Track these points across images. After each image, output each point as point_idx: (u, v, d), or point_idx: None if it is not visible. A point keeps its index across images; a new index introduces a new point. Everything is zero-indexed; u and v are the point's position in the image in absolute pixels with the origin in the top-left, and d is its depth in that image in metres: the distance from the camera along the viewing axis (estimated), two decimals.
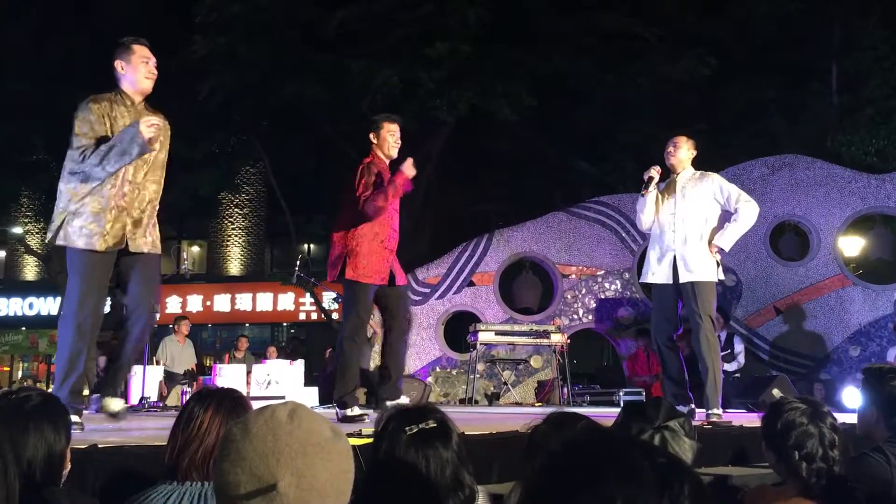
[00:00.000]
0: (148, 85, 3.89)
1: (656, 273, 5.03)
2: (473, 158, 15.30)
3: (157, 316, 4.56)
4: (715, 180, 5.10)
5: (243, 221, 22.33)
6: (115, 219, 3.72)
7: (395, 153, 4.68)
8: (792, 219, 9.28)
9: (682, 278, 4.92)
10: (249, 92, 12.69)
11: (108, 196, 3.71)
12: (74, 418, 3.52)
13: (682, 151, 5.11)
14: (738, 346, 8.27)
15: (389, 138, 4.63)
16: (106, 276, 3.79)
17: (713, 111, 13.36)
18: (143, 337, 3.90)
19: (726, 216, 5.10)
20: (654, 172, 5.03)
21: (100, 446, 2.54)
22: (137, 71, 3.85)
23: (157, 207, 3.96)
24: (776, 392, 5.66)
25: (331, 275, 4.59)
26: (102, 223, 3.68)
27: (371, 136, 4.68)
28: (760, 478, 3.07)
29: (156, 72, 3.92)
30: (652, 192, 5.03)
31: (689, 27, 12.66)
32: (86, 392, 4.42)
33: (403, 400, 4.56)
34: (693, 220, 4.97)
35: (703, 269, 4.93)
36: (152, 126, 3.57)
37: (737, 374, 8.07)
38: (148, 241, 3.86)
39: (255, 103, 13.23)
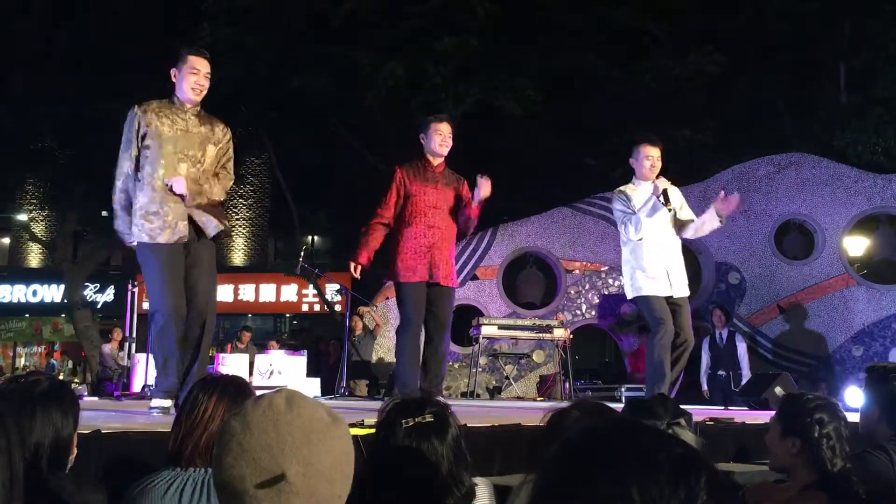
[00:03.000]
0: (193, 97, 4.02)
1: (658, 285, 4.92)
2: (479, 153, 15.29)
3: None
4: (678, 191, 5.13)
5: (248, 212, 22.36)
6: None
7: (444, 151, 4.82)
8: (797, 217, 9.26)
9: (677, 293, 4.93)
10: (256, 83, 12.69)
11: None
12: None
13: (659, 163, 5.04)
14: (741, 346, 8.26)
15: (437, 138, 4.78)
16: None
17: (720, 109, 13.32)
18: None
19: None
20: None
21: (103, 431, 2.55)
22: (185, 80, 4.00)
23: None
24: (779, 390, 5.65)
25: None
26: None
27: (420, 135, 4.86)
28: (762, 474, 3.07)
29: (205, 83, 4.04)
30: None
31: (697, 24, 12.62)
32: None
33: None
34: (674, 233, 5.00)
35: (686, 283, 5.03)
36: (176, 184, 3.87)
37: (739, 372, 8.07)
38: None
39: (261, 94, 13.23)
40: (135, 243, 3.95)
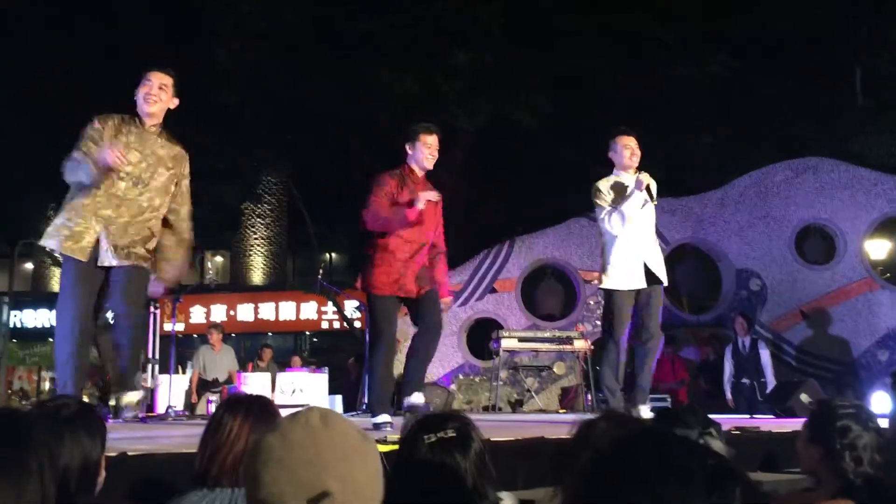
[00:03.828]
0: (147, 108, 4.06)
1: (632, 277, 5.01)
2: (495, 165, 15.30)
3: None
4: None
5: (265, 231, 22.47)
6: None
7: (429, 165, 4.59)
8: (817, 222, 9.19)
9: (651, 283, 5.02)
10: (272, 103, 12.79)
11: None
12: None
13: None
14: (764, 353, 8.18)
15: (425, 150, 4.54)
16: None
17: (735, 114, 13.26)
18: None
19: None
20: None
21: (129, 454, 2.56)
22: (138, 95, 4.07)
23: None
24: (804, 397, 5.60)
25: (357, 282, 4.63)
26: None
27: (407, 146, 4.62)
28: (791, 483, 3.04)
29: (158, 93, 4.06)
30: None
31: (710, 28, 12.58)
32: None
33: (416, 398, 4.53)
34: (650, 227, 5.10)
35: (661, 269, 5.08)
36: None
37: (763, 380, 7.99)
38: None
39: (277, 114, 13.33)
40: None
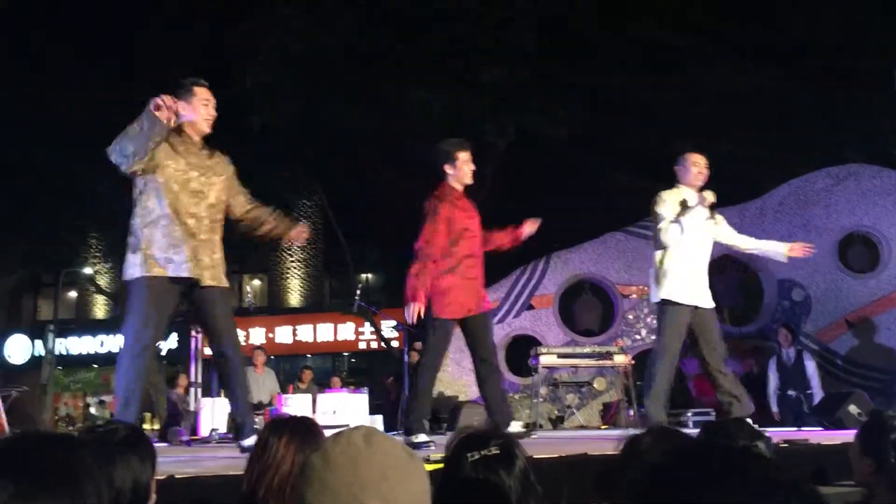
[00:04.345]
0: (206, 128, 4.01)
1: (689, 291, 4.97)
2: (528, 180, 15.29)
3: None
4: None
5: (302, 254, 22.69)
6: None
7: (470, 180, 4.72)
8: (860, 230, 9.01)
9: (705, 304, 4.98)
10: (304, 125, 12.94)
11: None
12: None
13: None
14: (809, 364, 8.02)
15: (465, 167, 4.66)
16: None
17: (772, 122, 13.11)
18: None
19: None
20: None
21: (176, 477, 2.60)
22: (197, 113, 3.96)
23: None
24: (853, 408, 5.47)
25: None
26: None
27: (446, 167, 4.67)
28: (842, 496, 2.97)
29: (214, 113, 4.03)
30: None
31: (745, 36, 12.48)
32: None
33: (514, 426, 4.55)
34: (709, 246, 5.08)
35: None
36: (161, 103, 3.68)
37: (809, 392, 7.84)
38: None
39: (309, 136, 13.49)
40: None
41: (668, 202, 4.98)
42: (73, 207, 15.86)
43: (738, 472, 0.78)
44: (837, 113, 12.93)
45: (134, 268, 3.87)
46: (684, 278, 4.91)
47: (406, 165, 14.41)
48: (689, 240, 4.91)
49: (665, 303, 4.92)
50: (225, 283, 4.11)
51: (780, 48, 12.49)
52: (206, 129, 4.03)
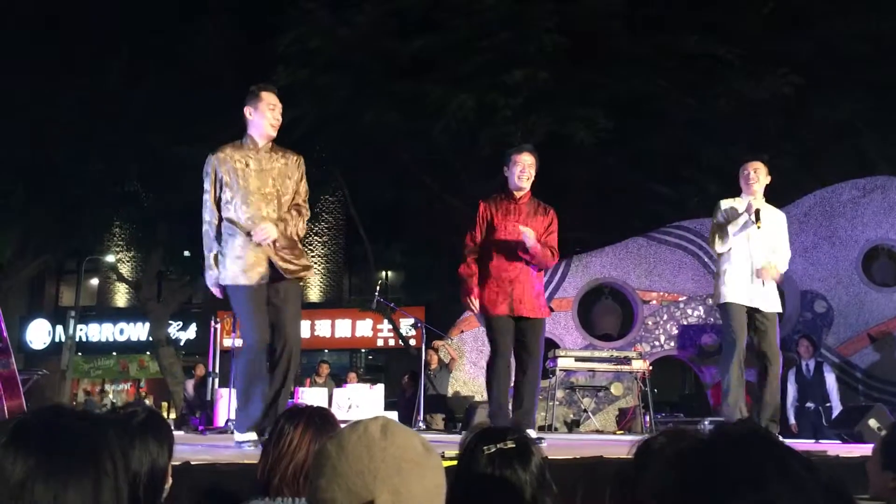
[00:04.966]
0: (272, 132, 4.08)
1: (746, 293, 5.08)
2: (552, 184, 15.24)
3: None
4: (784, 219, 5.33)
5: (322, 249, 22.77)
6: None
7: (523, 184, 4.75)
8: (885, 243, 8.90)
9: (764, 307, 5.08)
10: (329, 122, 12.98)
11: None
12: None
13: (763, 177, 5.18)
14: (829, 377, 7.93)
15: (516, 169, 4.73)
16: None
17: (799, 132, 12.97)
18: None
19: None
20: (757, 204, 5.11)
21: (192, 463, 2.61)
22: (264, 117, 4.04)
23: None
24: (873, 422, 5.40)
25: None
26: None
27: (504, 169, 4.84)
28: None
29: (281, 119, 4.12)
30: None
31: (772, 46, 12.36)
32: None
33: (531, 432, 4.56)
34: (765, 251, 5.11)
35: (777, 299, 5.16)
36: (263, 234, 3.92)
37: (828, 405, 7.76)
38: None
39: (334, 133, 13.52)
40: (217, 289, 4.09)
41: (721, 210, 5.19)
42: (101, 197, 16.02)
43: (782, 468, 0.77)
44: (867, 124, 12.77)
45: None
46: (742, 281, 5.07)
47: (430, 164, 14.44)
48: (738, 247, 5.09)
49: (722, 306, 5.14)
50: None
51: (807, 57, 12.34)
52: (272, 134, 4.11)
